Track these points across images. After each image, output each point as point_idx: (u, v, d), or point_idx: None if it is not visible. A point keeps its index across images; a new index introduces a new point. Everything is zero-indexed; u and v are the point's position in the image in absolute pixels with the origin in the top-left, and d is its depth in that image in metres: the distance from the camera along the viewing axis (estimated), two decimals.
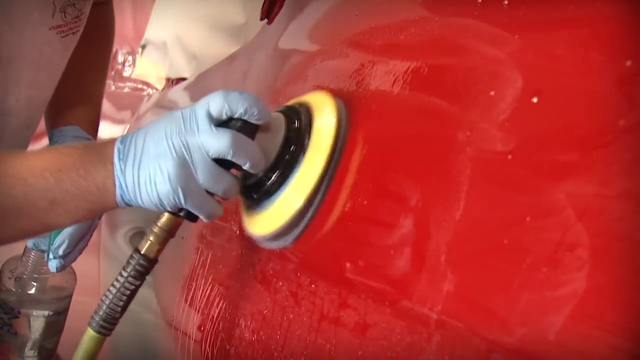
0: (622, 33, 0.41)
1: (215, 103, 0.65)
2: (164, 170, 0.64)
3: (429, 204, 0.51)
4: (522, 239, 0.41)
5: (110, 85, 2.86)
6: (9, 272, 1.14)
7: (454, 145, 0.50)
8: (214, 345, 0.80)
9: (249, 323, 0.72)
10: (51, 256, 1.04)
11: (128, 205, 0.68)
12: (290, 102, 0.72)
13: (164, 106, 1.95)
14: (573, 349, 0.37)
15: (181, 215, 0.68)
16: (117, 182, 0.66)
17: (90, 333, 0.70)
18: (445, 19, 0.60)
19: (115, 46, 1.90)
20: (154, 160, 0.64)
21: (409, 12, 0.67)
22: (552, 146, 0.42)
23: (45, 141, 1.18)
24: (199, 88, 1.63)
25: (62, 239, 1.03)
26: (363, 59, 0.70)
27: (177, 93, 1.88)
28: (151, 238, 0.69)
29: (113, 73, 2.87)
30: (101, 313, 0.69)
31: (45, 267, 1.10)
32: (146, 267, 0.70)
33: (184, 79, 2.05)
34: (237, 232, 0.84)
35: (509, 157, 0.45)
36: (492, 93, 0.48)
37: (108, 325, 0.70)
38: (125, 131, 2.21)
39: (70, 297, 1.19)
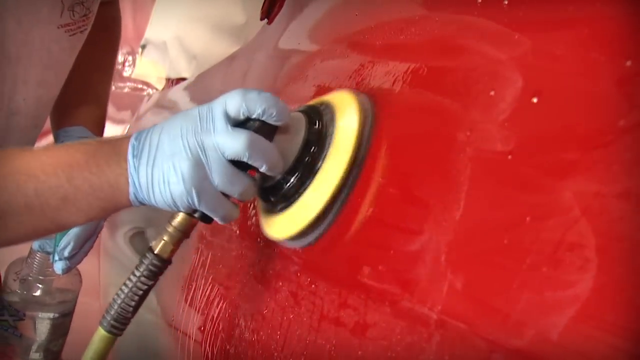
0: (622, 33, 0.41)
1: (233, 102, 0.63)
2: (178, 170, 0.62)
3: (429, 204, 0.51)
4: (522, 239, 0.41)
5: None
6: (14, 274, 1.14)
7: (455, 145, 0.50)
8: (214, 345, 0.80)
9: (249, 323, 0.73)
10: (56, 258, 1.03)
11: (142, 204, 0.66)
12: (313, 102, 0.69)
13: (164, 106, 1.95)
14: (573, 349, 0.37)
15: (195, 217, 0.66)
16: (130, 180, 0.64)
17: (100, 333, 0.69)
18: (445, 19, 0.60)
19: None
20: (168, 159, 0.63)
21: (409, 12, 0.67)
22: (552, 146, 0.42)
23: (49, 139, 1.18)
24: (199, 88, 1.63)
25: (67, 241, 1.02)
26: (363, 59, 0.70)
27: (177, 93, 1.88)
28: (165, 238, 0.68)
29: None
30: (112, 313, 0.68)
31: (50, 269, 1.10)
32: (159, 267, 0.68)
33: (184, 79, 2.05)
34: (237, 232, 0.84)
35: (509, 157, 0.45)
36: (492, 93, 0.48)
37: (119, 325, 0.68)
38: (126, 131, 2.21)
39: (75, 299, 1.18)
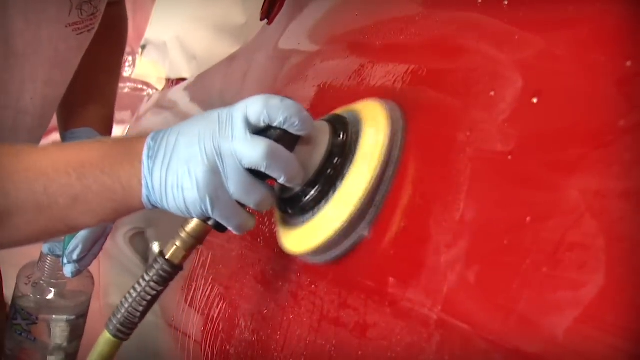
0: (622, 33, 0.41)
1: (254, 108, 0.60)
2: (192, 176, 0.59)
3: (429, 204, 0.51)
4: (523, 240, 0.41)
5: None
6: (26, 278, 1.13)
7: (456, 145, 0.50)
8: (214, 346, 0.80)
9: (249, 323, 0.73)
10: (65, 261, 1.03)
11: (155, 207, 0.63)
12: (339, 110, 0.65)
13: (164, 106, 1.95)
14: (573, 349, 0.37)
15: (209, 224, 0.64)
16: (143, 182, 0.62)
17: (106, 336, 0.66)
18: (445, 20, 0.60)
19: None
20: (184, 163, 0.60)
21: (409, 12, 0.67)
22: (553, 146, 0.42)
23: (53, 137, 1.17)
24: (199, 88, 1.63)
25: (75, 243, 1.01)
26: (363, 59, 0.70)
27: (177, 93, 1.87)
28: (177, 243, 0.65)
29: None
30: (119, 317, 0.66)
31: (62, 272, 1.09)
32: (170, 273, 0.65)
33: (184, 79, 2.05)
34: None
35: (509, 157, 0.45)
36: (492, 93, 0.48)
37: (125, 330, 0.66)
38: (126, 131, 2.21)
39: (89, 300, 1.18)
